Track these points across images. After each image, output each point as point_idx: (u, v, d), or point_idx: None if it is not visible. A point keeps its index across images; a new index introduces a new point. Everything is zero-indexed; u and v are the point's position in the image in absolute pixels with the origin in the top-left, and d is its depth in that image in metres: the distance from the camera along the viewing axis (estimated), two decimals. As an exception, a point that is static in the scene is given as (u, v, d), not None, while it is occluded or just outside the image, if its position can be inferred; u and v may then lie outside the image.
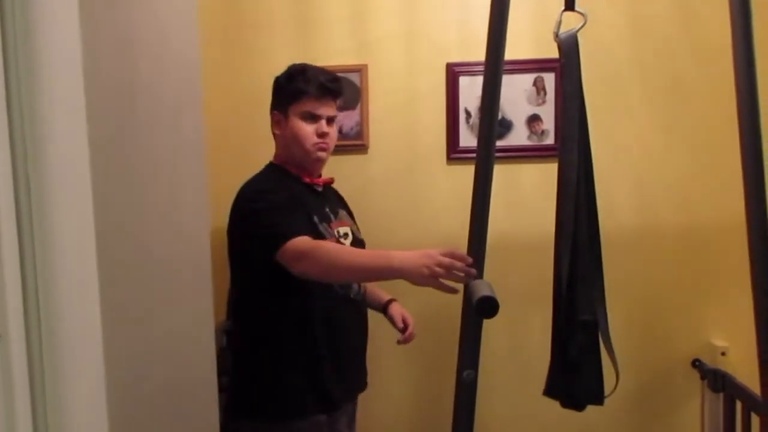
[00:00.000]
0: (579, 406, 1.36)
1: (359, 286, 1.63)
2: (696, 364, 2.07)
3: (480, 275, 1.16)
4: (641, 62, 2.08)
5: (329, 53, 2.12)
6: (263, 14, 2.14)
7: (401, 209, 2.15)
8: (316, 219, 1.55)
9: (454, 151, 2.12)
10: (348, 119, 2.13)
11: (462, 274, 1.22)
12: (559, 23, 1.31)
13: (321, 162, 1.63)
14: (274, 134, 1.66)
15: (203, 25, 2.05)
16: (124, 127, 0.80)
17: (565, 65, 1.31)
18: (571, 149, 1.34)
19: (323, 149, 1.60)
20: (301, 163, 1.62)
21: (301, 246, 1.40)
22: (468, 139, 2.08)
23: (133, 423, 0.82)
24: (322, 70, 1.61)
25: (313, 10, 2.13)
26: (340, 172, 2.18)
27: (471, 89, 2.07)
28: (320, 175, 1.69)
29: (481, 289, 1.02)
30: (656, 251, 2.11)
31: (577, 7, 1.29)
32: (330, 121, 1.61)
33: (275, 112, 1.64)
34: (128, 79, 0.81)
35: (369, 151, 2.15)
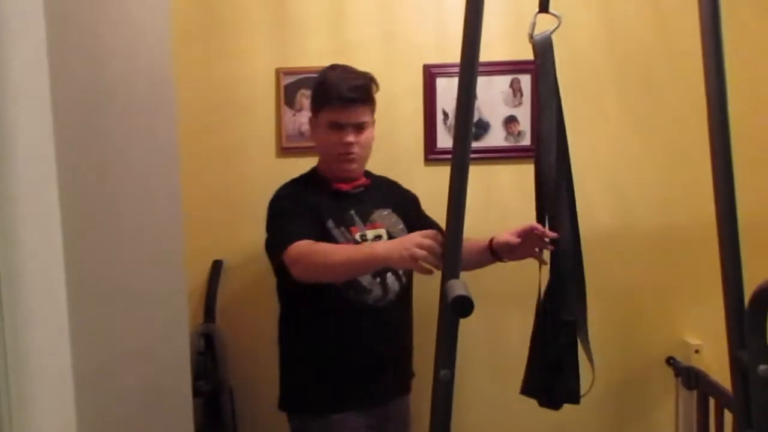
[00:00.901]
0: (556, 406, 1.37)
1: (384, 291, 1.59)
2: (670, 361, 2.10)
3: (456, 275, 1.16)
4: (615, 65, 2.10)
5: (306, 54, 2.11)
6: (240, 15, 2.12)
7: (379, 210, 2.14)
8: (331, 224, 1.56)
9: (431, 152, 2.13)
10: (326, 120, 2.12)
11: (439, 252, 1.26)
12: (534, 25, 1.32)
13: (351, 171, 1.63)
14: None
15: (178, 24, 2.04)
16: (94, 127, 0.79)
17: (540, 66, 1.32)
18: (549, 151, 1.35)
19: (350, 160, 1.60)
20: (332, 170, 1.64)
21: (296, 251, 1.43)
22: (446, 140, 2.09)
23: (104, 429, 0.80)
24: (347, 76, 1.58)
25: (290, 10, 2.12)
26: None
27: (448, 91, 2.08)
28: (359, 178, 1.68)
29: (457, 288, 1.02)
30: (632, 251, 2.13)
31: (551, 9, 1.30)
32: (359, 127, 1.59)
33: (310, 116, 1.66)
34: (98, 79, 0.79)
35: (347, 152, 2.15)
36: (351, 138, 1.57)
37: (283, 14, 2.12)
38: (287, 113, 2.12)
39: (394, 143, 2.14)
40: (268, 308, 2.21)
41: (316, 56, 2.11)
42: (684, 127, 2.07)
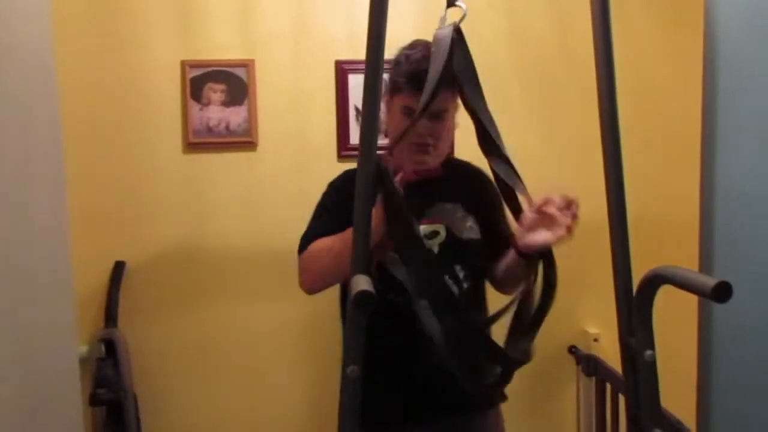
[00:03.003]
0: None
1: None
2: (572, 350, 2.20)
3: (362, 270, 1.16)
4: (518, 63, 2.17)
5: (214, 47, 2.04)
6: (141, 3, 2.02)
7: (291, 206, 2.10)
8: None
9: (344, 149, 2.12)
10: (235, 115, 2.07)
11: None
12: (443, 19, 1.32)
13: (423, 163, 1.41)
14: None
15: (68, 13, 1.91)
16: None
17: (433, 53, 1.29)
18: None
19: (423, 151, 1.39)
20: (403, 159, 1.38)
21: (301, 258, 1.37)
22: (358, 136, 2.09)
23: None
24: (427, 55, 1.29)
25: (196, 0, 2.04)
26: (228, 170, 2.11)
27: (361, 87, 2.06)
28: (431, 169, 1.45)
29: (360, 283, 1.03)
30: (536, 245, 2.22)
31: (457, 2, 1.31)
32: (437, 116, 1.36)
33: (385, 97, 1.42)
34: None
35: (258, 148, 2.10)
36: (426, 128, 1.36)
37: (188, 4, 2.03)
38: (194, 107, 2.04)
39: (306, 139, 2.12)
40: (175, 312, 2.14)
41: (223, 49, 2.05)
42: (582, 126, 2.16)
